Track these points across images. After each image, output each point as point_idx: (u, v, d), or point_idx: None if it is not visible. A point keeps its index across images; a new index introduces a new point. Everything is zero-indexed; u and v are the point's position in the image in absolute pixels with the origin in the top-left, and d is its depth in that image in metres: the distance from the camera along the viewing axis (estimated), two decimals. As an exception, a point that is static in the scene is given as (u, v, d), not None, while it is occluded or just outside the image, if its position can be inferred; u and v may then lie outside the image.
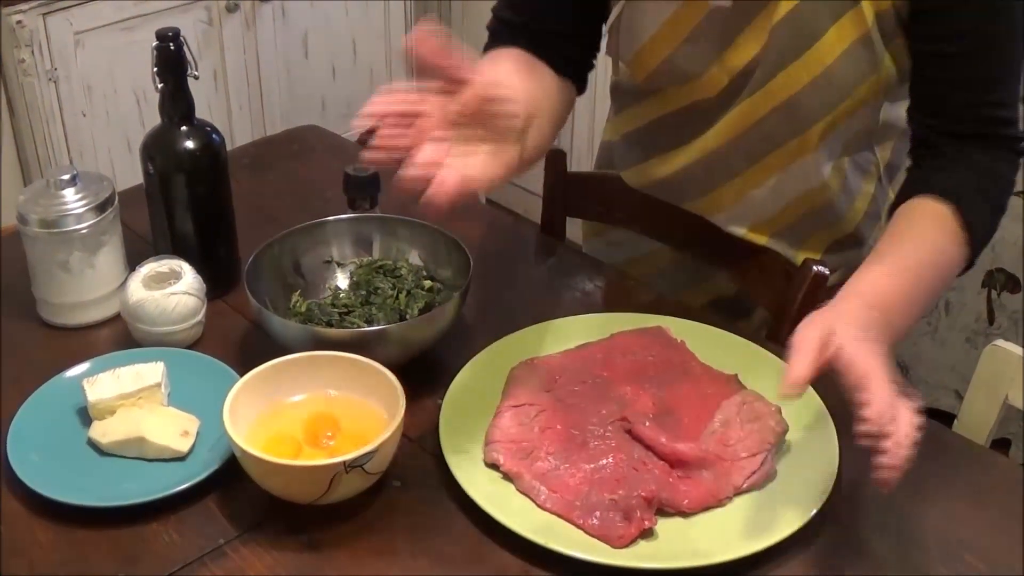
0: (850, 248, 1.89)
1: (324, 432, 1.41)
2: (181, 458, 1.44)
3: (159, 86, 1.64)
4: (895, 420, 1.20)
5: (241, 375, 1.45)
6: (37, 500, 1.37)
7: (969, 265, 1.57)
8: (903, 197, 1.57)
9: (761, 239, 1.88)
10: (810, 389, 1.53)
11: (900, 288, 1.43)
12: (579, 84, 1.75)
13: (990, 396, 1.66)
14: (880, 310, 1.37)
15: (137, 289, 1.62)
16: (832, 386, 1.57)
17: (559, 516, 1.35)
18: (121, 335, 1.67)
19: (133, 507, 1.37)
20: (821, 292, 1.80)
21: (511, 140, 1.32)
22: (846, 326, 1.28)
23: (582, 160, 3.83)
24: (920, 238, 1.50)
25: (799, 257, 1.84)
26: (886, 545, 1.35)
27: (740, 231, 1.88)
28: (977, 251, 1.55)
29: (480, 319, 1.71)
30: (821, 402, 1.51)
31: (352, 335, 1.53)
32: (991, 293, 2.98)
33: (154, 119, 1.69)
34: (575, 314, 1.70)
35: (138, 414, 1.46)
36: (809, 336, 1.27)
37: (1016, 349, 1.62)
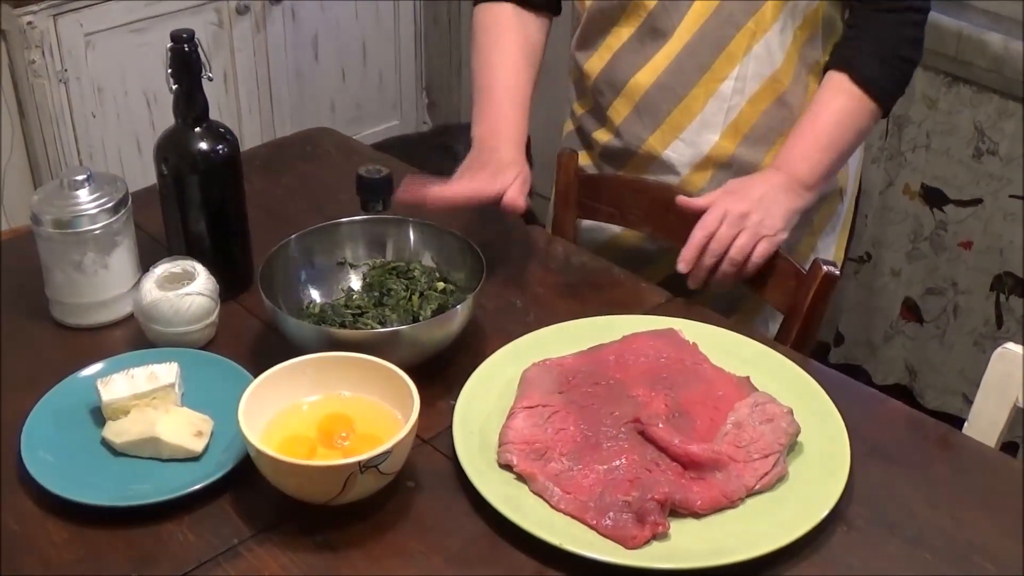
0: None
1: (338, 433, 1.42)
2: (195, 458, 1.45)
3: (173, 87, 1.64)
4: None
5: (255, 376, 1.46)
6: (51, 499, 1.38)
7: (886, 111, 1.93)
8: (825, 69, 1.92)
9: (732, 145, 1.98)
10: (822, 392, 1.54)
11: (800, 148, 1.87)
12: (555, 11, 2.10)
13: (999, 399, 1.66)
14: (783, 168, 1.86)
15: (151, 290, 1.62)
16: (843, 389, 1.59)
17: (572, 517, 1.36)
18: (135, 335, 1.68)
19: (147, 507, 1.37)
20: (831, 293, 1.81)
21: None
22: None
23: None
24: (821, 106, 1.89)
25: (766, 162, 1.99)
26: (896, 546, 1.35)
27: (714, 139, 1.98)
28: (886, 98, 1.90)
29: (493, 321, 1.72)
30: (833, 404, 1.52)
31: (365, 336, 1.54)
32: (999, 297, 2.98)
33: (165, 120, 1.69)
34: (588, 316, 1.70)
35: (152, 414, 1.46)
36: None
37: (1026, 352, 1.62)
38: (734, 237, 1.79)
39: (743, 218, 1.79)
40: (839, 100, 1.88)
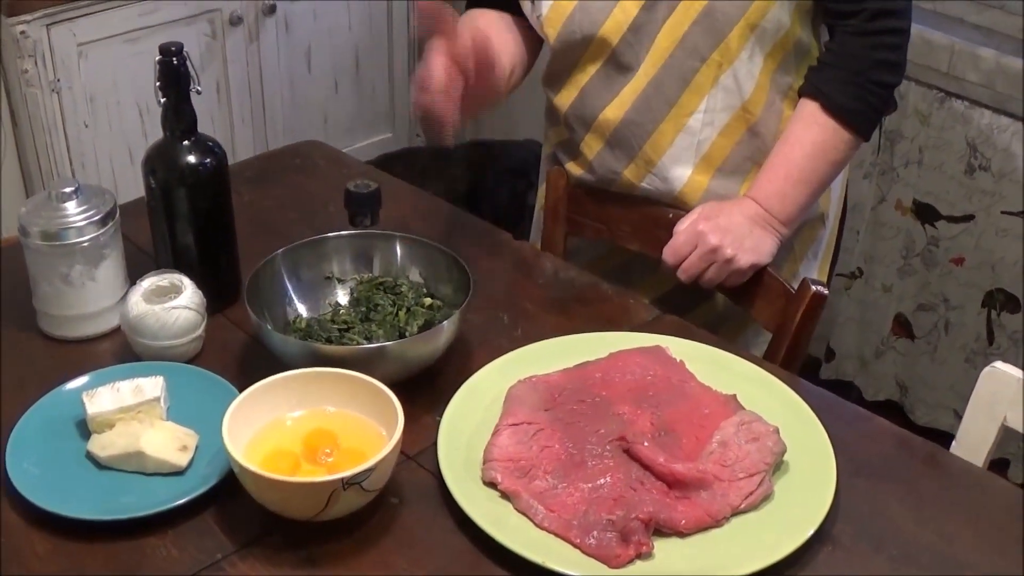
0: None
1: (322, 448, 1.42)
2: (180, 472, 1.44)
3: (161, 100, 1.64)
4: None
5: (240, 390, 1.46)
6: (35, 512, 1.38)
7: (866, 136, 1.90)
8: (799, 94, 1.91)
9: (705, 179, 1.96)
10: (809, 410, 1.53)
11: (773, 183, 1.87)
12: None
13: (988, 418, 1.66)
14: (759, 202, 1.86)
15: (138, 303, 1.62)
16: (830, 408, 1.58)
17: (556, 535, 1.35)
18: (121, 348, 1.67)
19: (131, 521, 1.37)
20: (819, 312, 1.81)
21: (500, 82, 1.86)
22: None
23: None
24: (793, 137, 1.88)
25: (742, 192, 1.96)
26: (882, 565, 1.35)
27: (687, 173, 1.96)
28: (862, 125, 1.88)
29: (479, 337, 1.71)
30: (819, 422, 1.51)
31: (351, 352, 1.54)
32: (991, 313, 2.98)
33: (157, 131, 1.69)
34: (574, 332, 1.70)
35: (137, 428, 1.46)
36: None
37: (1014, 371, 1.62)
38: (703, 270, 1.83)
39: (713, 252, 1.82)
40: (812, 132, 1.86)
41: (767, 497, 1.41)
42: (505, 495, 1.40)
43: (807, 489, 1.42)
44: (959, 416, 1.68)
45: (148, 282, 1.65)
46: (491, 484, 1.42)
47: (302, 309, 1.71)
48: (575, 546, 1.34)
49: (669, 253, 1.85)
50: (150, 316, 1.61)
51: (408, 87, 4.17)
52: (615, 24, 1.87)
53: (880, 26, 1.83)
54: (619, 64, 1.92)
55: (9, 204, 3.22)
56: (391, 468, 1.38)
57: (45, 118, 3.19)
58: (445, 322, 1.56)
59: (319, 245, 1.74)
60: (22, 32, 3.05)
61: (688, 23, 1.85)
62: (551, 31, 1.93)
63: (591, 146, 2.00)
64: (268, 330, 1.55)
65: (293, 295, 1.71)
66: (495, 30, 1.97)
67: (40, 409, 1.53)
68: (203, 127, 1.70)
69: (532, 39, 2.05)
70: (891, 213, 3.11)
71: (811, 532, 1.35)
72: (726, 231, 1.82)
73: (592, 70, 1.95)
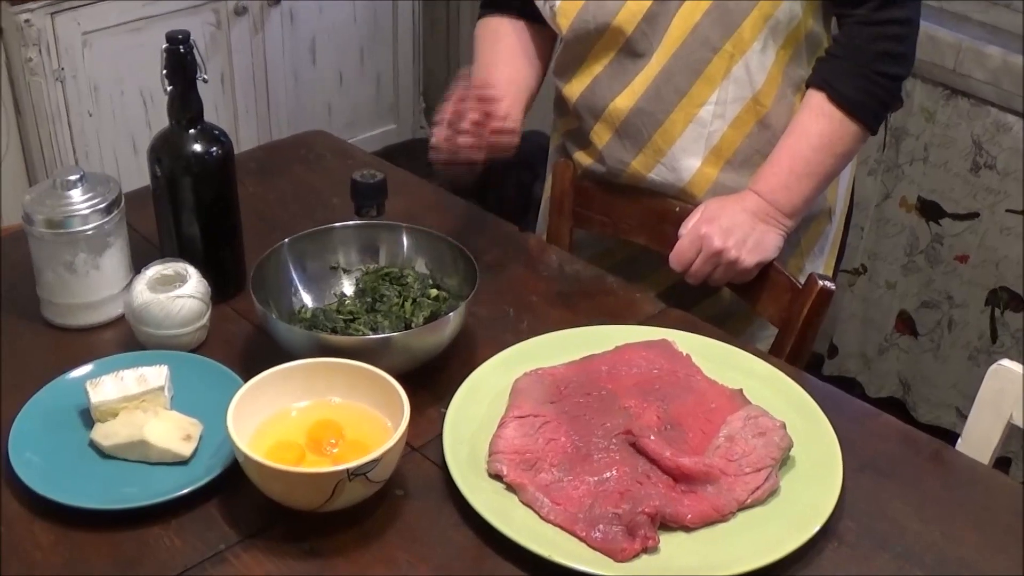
0: None
1: (327, 439, 1.41)
2: (183, 462, 1.44)
3: (168, 89, 1.64)
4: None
5: (245, 380, 1.45)
6: (38, 502, 1.37)
7: (872, 130, 1.88)
8: (806, 86, 1.90)
9: (714, 172, 1.95)
10: (815, 406, 1.53)
11: (778, 176, 1.85)
12: None
13: (994, 416, 1.65)
14: (763, 195, 1.85)
15: (142, 291, 1.61)
16: (837, 403, 1.58)
17: (562, 528, 1.35)
18: (125, 337, 1.67)
19: (134, 510, 1.36)
20: (826, 307, 1.81)
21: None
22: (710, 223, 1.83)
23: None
24: (799, 129, 1.86)
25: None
26: (886, 562, 1.35)
27: (696, 164, 1.95)
28: (869, 118, 1.86)
29: (485, 328, 1.71)
30: (826, 418, 1.51)
31: (357, 343, 1.53)
32: (994, 311, 2.98)
33: (160, 120, 1.69)
34: (581, 325, 1.70)
35: (141, 417, 1.46)
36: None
37: (1020, 369, 1.61)
38: (709, 273, 1.83)
39: (718, 254, 1.81)
40: (819, 124, 1.85)
41: (773, 492, 1.41)
42: (510, 488, 1.40)
43: (813, 485, 1.42)
44: (962, 414, 1.68)
45: (152, 271, 1.65)
46: (496, 476, 1.41)
47: (307, 299, 1.70)
48: (581, 539, 1.33)
49: (674, 260, 1.84)
50: (154, 305, 1.60)
51: (412, 79, 4.19)
52: (629, 14, 1.86)
53: (887, 16, 1.82)
54: (631, 54, 1.91)
55: (13, 193, 3.22)
56: (396, 459, 1.37)
57: (49, 107, 3.19)
58: (451, 313, 1.56)
59: (325, 235, 1.73)
60: (26, 21, 3.05)
61: (701, 13, 1.84)
62: (564, 22, 1.92)
63: (600, 136, 1.99)
64: (273, 320, 1.55)
65: (298, 285, 1.70)
66: (510, 52, 2.03)
67: (43, 398, 1.52)
68: (207, 117, 1.69)
69: (546, 42, 2.07)
70: (895, 210, 3.11)
71: (817, 528, 1.35)
72: (729, 232, 1.81)
73: (604, 60, 1.94)
